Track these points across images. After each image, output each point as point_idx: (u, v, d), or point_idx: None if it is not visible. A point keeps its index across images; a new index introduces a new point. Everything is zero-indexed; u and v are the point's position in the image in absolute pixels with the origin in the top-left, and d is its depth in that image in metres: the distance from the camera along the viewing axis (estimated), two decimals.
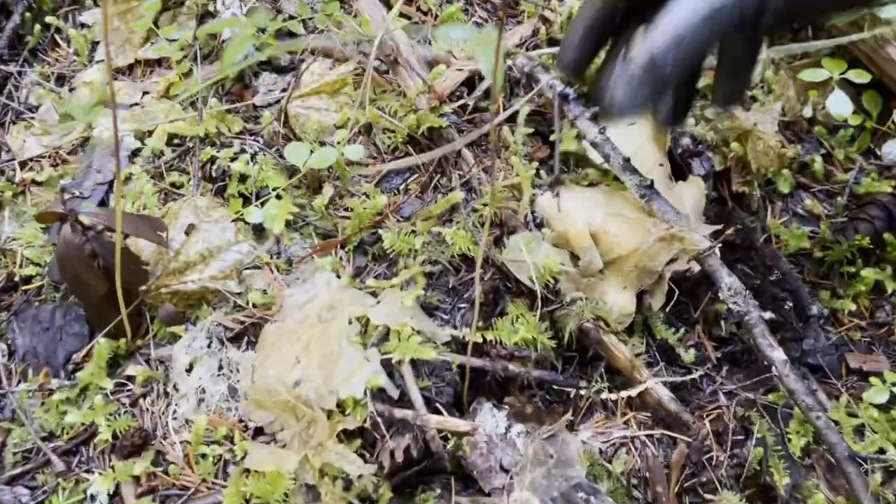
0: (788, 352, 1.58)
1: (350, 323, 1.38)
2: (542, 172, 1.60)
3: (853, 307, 1.69)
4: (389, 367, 1.36)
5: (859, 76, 1.83)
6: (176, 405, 1.46)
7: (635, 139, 1.60)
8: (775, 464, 1.41)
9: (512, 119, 1.63)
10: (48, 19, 1.95)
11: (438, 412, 1.35)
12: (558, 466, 1.40)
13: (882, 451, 1.49)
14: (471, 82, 1.70)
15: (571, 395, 1.49)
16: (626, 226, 1.49)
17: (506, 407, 1.43)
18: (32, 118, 1.86)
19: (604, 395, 1.49)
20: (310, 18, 1.85)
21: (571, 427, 1.48)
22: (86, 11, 1.98)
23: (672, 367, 1.58)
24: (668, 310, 1.58)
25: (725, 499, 1.38)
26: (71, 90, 1.88)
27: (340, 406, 1.33)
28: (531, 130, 1.56)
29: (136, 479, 1.41)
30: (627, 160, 1.47)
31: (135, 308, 1.48)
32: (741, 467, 1.42)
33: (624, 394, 1.48)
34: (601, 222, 1.49)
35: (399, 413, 1.29)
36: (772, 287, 1.63)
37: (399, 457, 1.26)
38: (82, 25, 1.98)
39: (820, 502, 1.37)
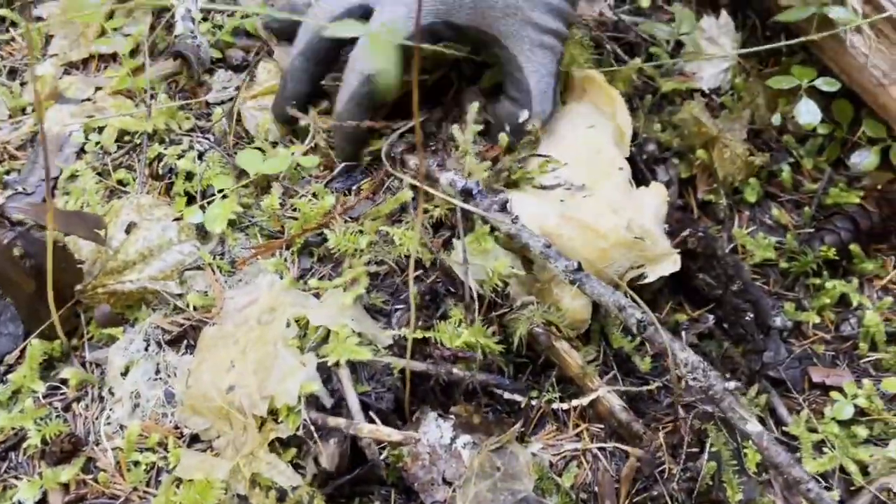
0: (749, 364, 1.54)
1: (288, 325, 1.33)
2: None
3: (818, 320, 1.65)
4: (327, 372, 1.31)
5: (828, 84, 1.80)
6: (110, 410, 1.40)
7: (594, 142, 1.56)
8: (729, 479, 1.36)
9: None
10: (2, 12, 1.91)
11: (378, 419, 1.29)
12: (505, 480, 1.34)
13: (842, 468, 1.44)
14: None
15: (522, 405, 1.44)
16: (582, 230, 1.44)
17: (452, 416, 1.37)
18: None
19: (555, 405, 1.44)
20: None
21: (522, 438, 1.43)
22: (41, 4, 1.93)
23: (629, 377, 1.53)
24: None
25: None
26: (22, 84, 1.84)
27: (275, 413, 1.28)
28: (481, 128, 1.51)
29: (65, 486, 1.36)
30: (549, 246, 1.34)
31: (69, 308, 1.43)
32: (694, 481, 1.36)
33: (575, 403, 1.43)
34: (555, 226, 1.44)
35: (332, 421, 1.24)
36: (734, 298, 1.58)
37: (331, 465, 1.21)
38: (38, 19, 1.93)
39: None
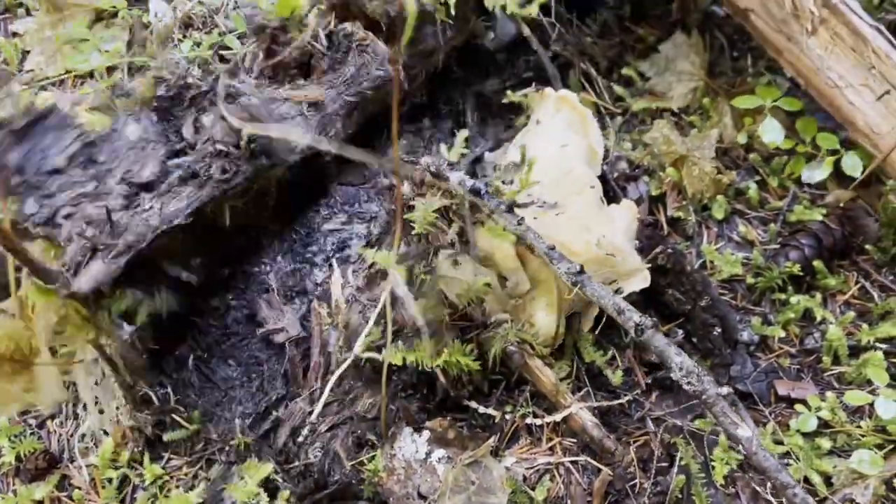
0: (717, 378, 1.58)
1: None
2: None
3: (783, 334, 1.69)
4: None
5: (791, 105, 1.85)
6: (84, 427, 1.40)
7: (566, 161, 1.59)
8: (698, 491, 1.39)
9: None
10: None
11: None
12: (479, 493, 1.36)
13: (807, 479, 1.48)
14: None
15: (497, 420, 1.47)
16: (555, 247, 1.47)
17: (427, 431, 1.39)
18: None
19: (529, 420, 1.47)
20: (245, 35, 1.82)
21: (496, 453, 1.45)
22: (17, 20, 1.93)
23: (601, 391, 1.56)
24: (599, 332, 1.57)
25: None
26: None
27: None
28: (466, 152, 1.55)
29: (39, 503, 1.36)
30: (552, 248, 1.38)
31: None
32: (664, 495, 1.40)
33: (549, 419, 1.45)
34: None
35: None
36: (702, 313, 1.62)
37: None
38: (14, 34, 1.93)
39: None
